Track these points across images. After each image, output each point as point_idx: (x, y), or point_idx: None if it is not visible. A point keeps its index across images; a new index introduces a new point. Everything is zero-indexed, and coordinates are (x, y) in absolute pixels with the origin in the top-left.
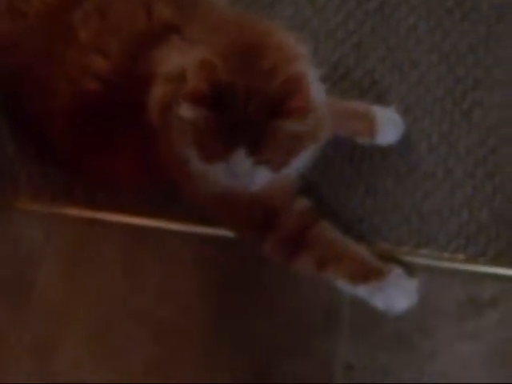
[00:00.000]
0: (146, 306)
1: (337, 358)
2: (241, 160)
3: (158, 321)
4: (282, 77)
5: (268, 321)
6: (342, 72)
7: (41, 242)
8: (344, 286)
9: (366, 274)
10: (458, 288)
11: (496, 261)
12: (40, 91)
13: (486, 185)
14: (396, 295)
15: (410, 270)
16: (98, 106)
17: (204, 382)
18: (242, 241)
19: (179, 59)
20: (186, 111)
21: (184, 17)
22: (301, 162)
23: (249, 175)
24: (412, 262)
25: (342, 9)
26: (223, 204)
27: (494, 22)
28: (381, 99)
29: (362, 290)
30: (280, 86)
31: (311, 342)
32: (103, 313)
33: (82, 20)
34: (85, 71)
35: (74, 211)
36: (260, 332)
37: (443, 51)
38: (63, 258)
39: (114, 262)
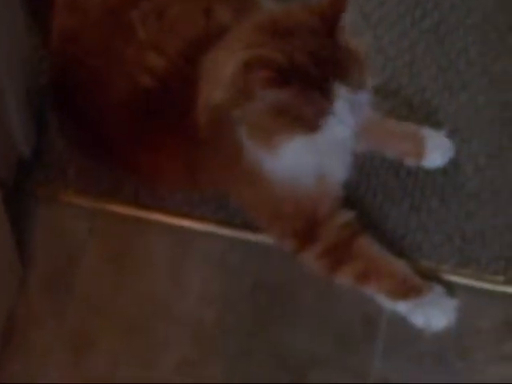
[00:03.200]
0: (186, 307)
1: (371, 372)
2: (342, 96)
3: (197, 322)
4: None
5: (303, 328)
6: (393, 88)
7: (84, 237)
8: (383, 300)
9: (407, 290)
10: (496, 309)
11: None
12: (95, 86)
13: None
14: (435, 313)
15: (450, 288)
16: (152, 103)
17: None
18: (282, 249)
19: (227, 61)
20: (270, 97)
21: (240, 20)
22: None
23: (355, 108)
24: (452, 281)
25: (397, 26)
26: (269, 209)
27: None
28: (430, 118)
29: (401, 306)
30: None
31: (346, 353)
32: (143, 311)
33: (141, 19)
34: (141, 68)
35: (120, 208)
36: (294, 340)
37: (494, 75)
38: (105, 254)
39: (157, 261)
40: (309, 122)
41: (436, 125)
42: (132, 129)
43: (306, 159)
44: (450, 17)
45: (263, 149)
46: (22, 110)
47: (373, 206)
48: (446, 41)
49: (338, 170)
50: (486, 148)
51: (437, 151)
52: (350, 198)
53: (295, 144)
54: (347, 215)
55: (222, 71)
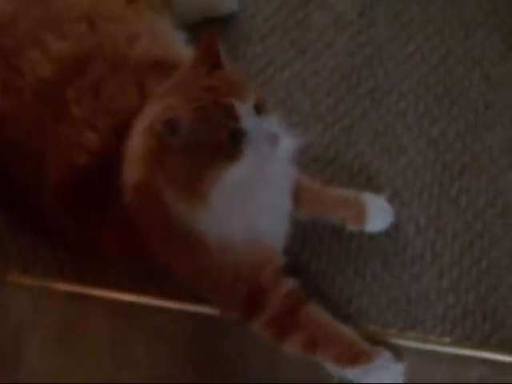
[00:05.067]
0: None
1: None
2: (246, 115)
3: None
4: None
5: None
6: (332, 155)
7: (29, 316)
8: (332, 368)
9: (354, 356)
10: (444, 370)
11: (482, 344)
12: (31, 165)
13: (473, 270)
14: (384, 378)
15: (397, 352)
16: (87, 180)
17: None
18: (229, 319)
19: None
20: (178, 142)
21: None
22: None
23: (269, 136)
24: (399, 344)
25: (333, 93)
26: (210, 280)
27: (482, 109)
28: (370, 182)
29: (349, 373)
30: None
31: None
32: None
33: (75, 97)
34: (75, 146)
35: (63, 286)
36: None
37: (431, 137)
38: (51, 332)
39: (102, 337)
40: (226, 149)
41: (376, 189)
42: (70, 207)
43: (238, 213)
44: (385, 82)
45: (192, 204)
46: None
47: (317, 271)
48: (382, 105)
49: (274, 233)
50: (427, 210)
51: (378, 216)
52: (294, 264)
53: (223, 191)
54: (290, 283)
55: (131, 149)
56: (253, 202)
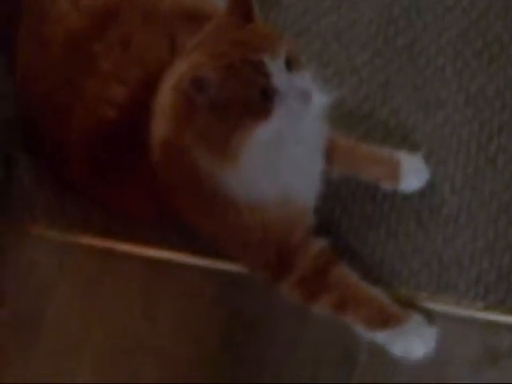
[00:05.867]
0: (158, 339)
1: None
2: (277, 71)
3: (170, 355)
4: None
5: (280, 354)
6: (367, 110)
7: (54, 270)
8: (362, 330)
9: (385, 320)
10: (475, 337)
11: None
12: (59, 120)
13: (509, 231)
14: (414, 342)
15: (429, 316)
16: (114, 135)
17: None
18: (257, 278)
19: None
20: (207, 100)
21: None
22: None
23: (301, 93)
24: (431, 308)
25: (370, 45)
26: (238, 239)
27: None
28: (406, 140)
29: (379, 336)
30: None
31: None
32: (114, 344)
33: (104, 50)
34: (103, 100)
35: (89, 240)
36: (271, 365)
37: (470, 93)
38: (76, 287)
39: (128, 293)
40: (255, 107)
41: (412, 146)
42: (97, 163)
43: (269, 172)
44: (424, 36)
45: (222, 163)
46: None
47: (349, 231)
48: (419, 59)
49: (306, 193)
50: (463, 169)
51: (412, 175)
52: (325, 222)
53: (254, 150)
54: (321, 243)
55: (160, 105)
56: (284, 161)
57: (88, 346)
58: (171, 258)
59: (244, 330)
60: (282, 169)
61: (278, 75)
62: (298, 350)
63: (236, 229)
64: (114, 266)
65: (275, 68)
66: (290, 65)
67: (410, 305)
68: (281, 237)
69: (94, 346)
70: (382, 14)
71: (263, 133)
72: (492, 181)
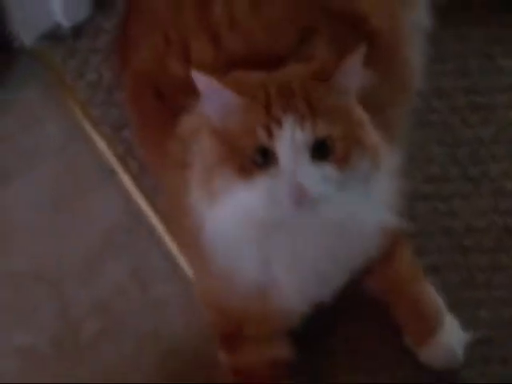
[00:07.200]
0: None
1: None
2: (287, 133)
3: None
4: None
5: None
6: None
7: None
8: None
9: None
10: None
11: None
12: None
13: None
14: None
15: None
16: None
17: None
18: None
19: None
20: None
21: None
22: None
23: (305, 169)
24: None
25: None
26: (204, 292)
27: None
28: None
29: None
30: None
31: None
32: None
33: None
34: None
35: None
36: None
37: None
38: None
39: None
40: (245, 159)
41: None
42: None
43: (251, 243)
44: None
45: (205, 198)
46: None
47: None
48: None
49: (296, 293)
50: None
51: (442, 352)
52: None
53: (232, 205)
54: (283, 354)
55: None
56: (272, 245)
57: None
58: None
59: None
60: (268, 251)
61: (289, 146)
62: None
63: (204, 280)
64: None
65: (291, 136)
66: (322, 151)
67: None
68: (238, 316)
69: None
70: None
71: (242, 193)
72: None
